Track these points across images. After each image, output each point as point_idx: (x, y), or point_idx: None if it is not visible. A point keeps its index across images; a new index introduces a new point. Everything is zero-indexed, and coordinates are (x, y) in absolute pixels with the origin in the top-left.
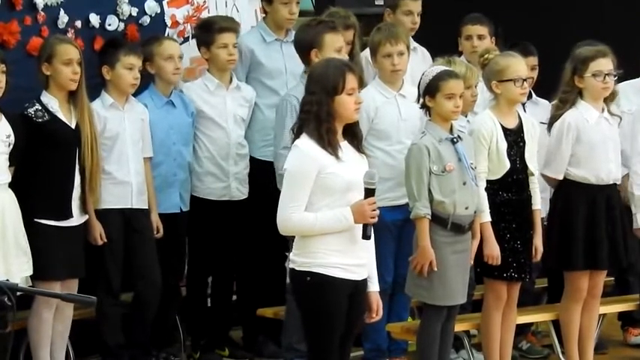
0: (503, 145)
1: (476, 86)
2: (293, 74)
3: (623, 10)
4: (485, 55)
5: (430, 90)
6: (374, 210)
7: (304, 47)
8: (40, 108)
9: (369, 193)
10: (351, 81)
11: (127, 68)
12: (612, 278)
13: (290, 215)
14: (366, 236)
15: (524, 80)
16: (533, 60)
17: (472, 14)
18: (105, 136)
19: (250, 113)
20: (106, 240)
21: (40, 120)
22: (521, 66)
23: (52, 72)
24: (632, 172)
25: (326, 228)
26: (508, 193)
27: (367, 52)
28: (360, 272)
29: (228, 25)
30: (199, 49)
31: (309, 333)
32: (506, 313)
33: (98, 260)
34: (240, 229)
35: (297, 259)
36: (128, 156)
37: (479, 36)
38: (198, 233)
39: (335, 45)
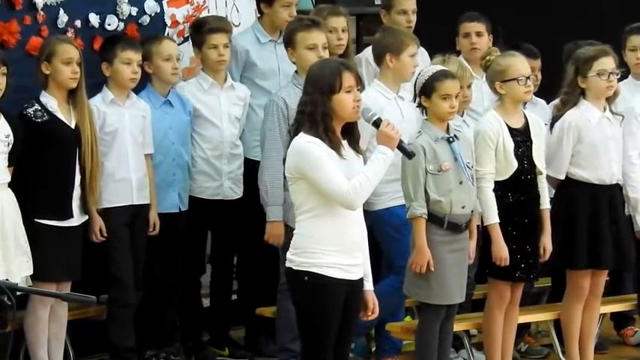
0: (510, 144)
1: (468, 87)
2: (286, 75)
3: (623, 10)
4: (487, 57)
5: (426, 90)
6: (394, 128)
7: (285, 45)
8: (39, 108)
9: (378, 123)
10: (348, 79)
11: (125, 63)
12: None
13: (347, 190)
14: (408, 153)
15: (528, 78)
16: (535, 62)
17: (469, 12)
18: (104, 132)
19: (245, 112)
20: (106, 236)
21: (39, 120)
22: (522, 64)
23: (51, 71)
24: (624, 175)
25: (378, 173)
26: (516, 193)
27: (366, 52)
28: (357, 272)
29: (219, 25)
30: (193, 49)
31: (305, 332)
32: (508, 313)
33: (106, 261)
34: (234, 229)
35: (295, 259)
36: (128, 152)
37: (477, 33)
38: (190, 231)
39: (306, 42)
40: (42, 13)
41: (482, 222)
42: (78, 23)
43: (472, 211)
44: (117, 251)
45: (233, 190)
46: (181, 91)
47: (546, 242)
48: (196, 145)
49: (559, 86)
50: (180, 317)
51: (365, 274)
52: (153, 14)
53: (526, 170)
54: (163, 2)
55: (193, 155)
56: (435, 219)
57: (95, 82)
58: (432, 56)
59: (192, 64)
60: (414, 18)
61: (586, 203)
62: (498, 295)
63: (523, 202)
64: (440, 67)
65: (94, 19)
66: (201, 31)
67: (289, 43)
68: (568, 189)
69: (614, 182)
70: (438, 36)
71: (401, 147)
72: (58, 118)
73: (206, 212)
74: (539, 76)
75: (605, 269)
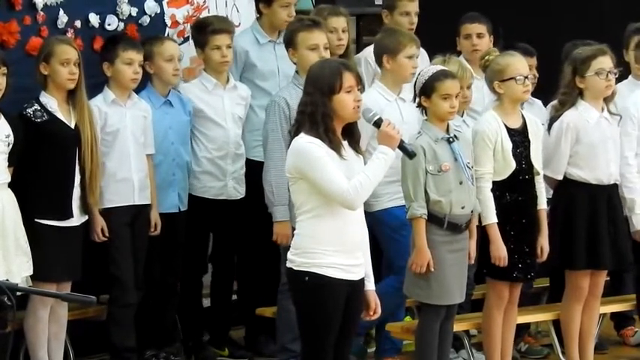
0: (508, 144)
1: (468, 87)
2: (286, 75)
3: (623, 10)
4: (486, 57)
5: (426, 90)
6: (394, 128)
7: (286, 46)
8: (38, 108)
9: (378, 123)
10: (348, 79)
11: (126, 63)
12: (608, 278)
13: (347, 189)
14: (409, 153)
15: (526, 77)
16: (531, 60)
17: (470, 13)
18: (105, 132)
19: (246, 112)
20: (108, 236)
21: (39, 120)
22: (521, 64)
23: (49, 72)
24: (620, 176)
25: (379, 174)
26: (514, 194)
27: (366, 52)
28: (357, 272)
29: (222, 26)
30: (195, 50)
31: (305, 332)
32: (507, 312)
33: (106, 261)
34: (237, 229)
35: (295, 259)
36: (129, 152)
37: (478, 34)
38: (193, 231)
39: (307, 43)
40: (42, 13)
41: (480, 222)
42: (78, 23)
43: (472, 211)
44: (118, 251)
45: (237, 190)
46: (184, 92)
47: (544, 243)
48: (201, 145)
49: (557, 87)
50: (180, 317)
51: (366, 274)
52: (153, 14)
53: (524, 170)
54: (163, 2)
55: (198, 155)
56: (434, 219)
57: (96, 82)
58: (432, 57)
59: (193, 65)
60: (416, 20)
61: (584, 204)
62: (497, 295)
63: (521, 202)
64: (440, 67)
65: (94, 19)
66: (204, 31)
67: (290, 43)
68: (566, 189)
69: (612, 182)
70: (438, 36)
71: (402, 147)
72: (58, 118)
73: (209, 212)
74: (537, 74)
75: (604, 269)
